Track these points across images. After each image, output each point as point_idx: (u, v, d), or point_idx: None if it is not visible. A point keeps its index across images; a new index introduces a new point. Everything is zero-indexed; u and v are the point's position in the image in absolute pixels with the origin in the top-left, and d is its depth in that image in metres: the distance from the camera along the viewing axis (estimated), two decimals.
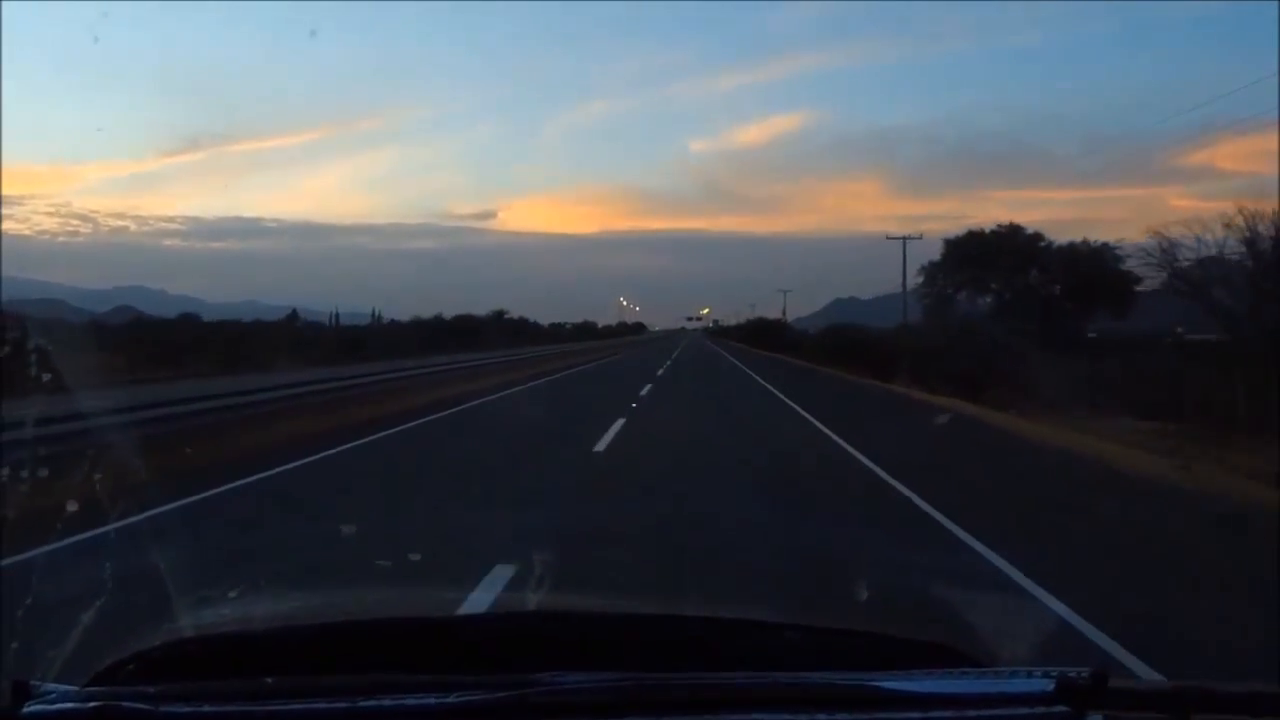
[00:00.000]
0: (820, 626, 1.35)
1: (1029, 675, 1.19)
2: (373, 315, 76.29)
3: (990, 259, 42.78)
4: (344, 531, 6.63)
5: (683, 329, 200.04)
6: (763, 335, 79.59)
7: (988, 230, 43.57)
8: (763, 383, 26.76)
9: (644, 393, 21.69)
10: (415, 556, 5.63)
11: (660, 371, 31.62)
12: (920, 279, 45.64)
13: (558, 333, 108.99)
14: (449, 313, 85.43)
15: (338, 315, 75.00)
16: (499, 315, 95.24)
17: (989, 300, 42.97)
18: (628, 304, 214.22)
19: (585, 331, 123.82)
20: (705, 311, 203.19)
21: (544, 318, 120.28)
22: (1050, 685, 1.12)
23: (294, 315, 66.22)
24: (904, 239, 50.83)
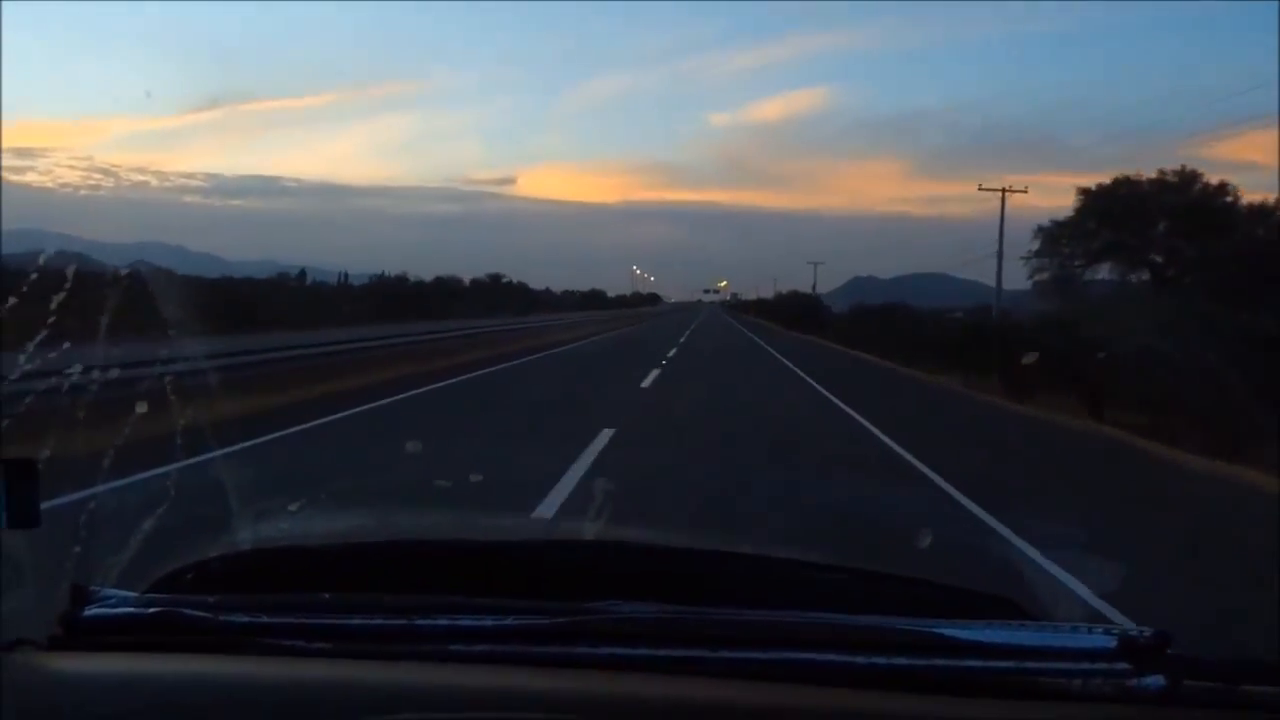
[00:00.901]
0: (875, 571, 1.33)
1: (1089, 631, 1.13)
2: (380, 276, 67.70)
3: (1147, 219, 29.66)
4: None
5: (699, 302, 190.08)
6: (798, 313, 66.35)
7: (1145, 179, 30.26)
8: (879, 435, 11.20)
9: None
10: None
11: (646, 382, 17.84)
12: (1036, 244, 32.49)
13: (560, 301, 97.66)
14: (465, 276, 75.76)
15: (347, 275, 67.92)
16: (495, 279, 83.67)
17: (1145, 278, 29.80)
18: (643, 274, 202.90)
19: (593, 300, 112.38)
20: (723, 284, 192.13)
21: (559, 285, 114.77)
22: (1112, 642, 1.07)
23: (302, 274, 62.36)
24: (1003, 191, 37.93)
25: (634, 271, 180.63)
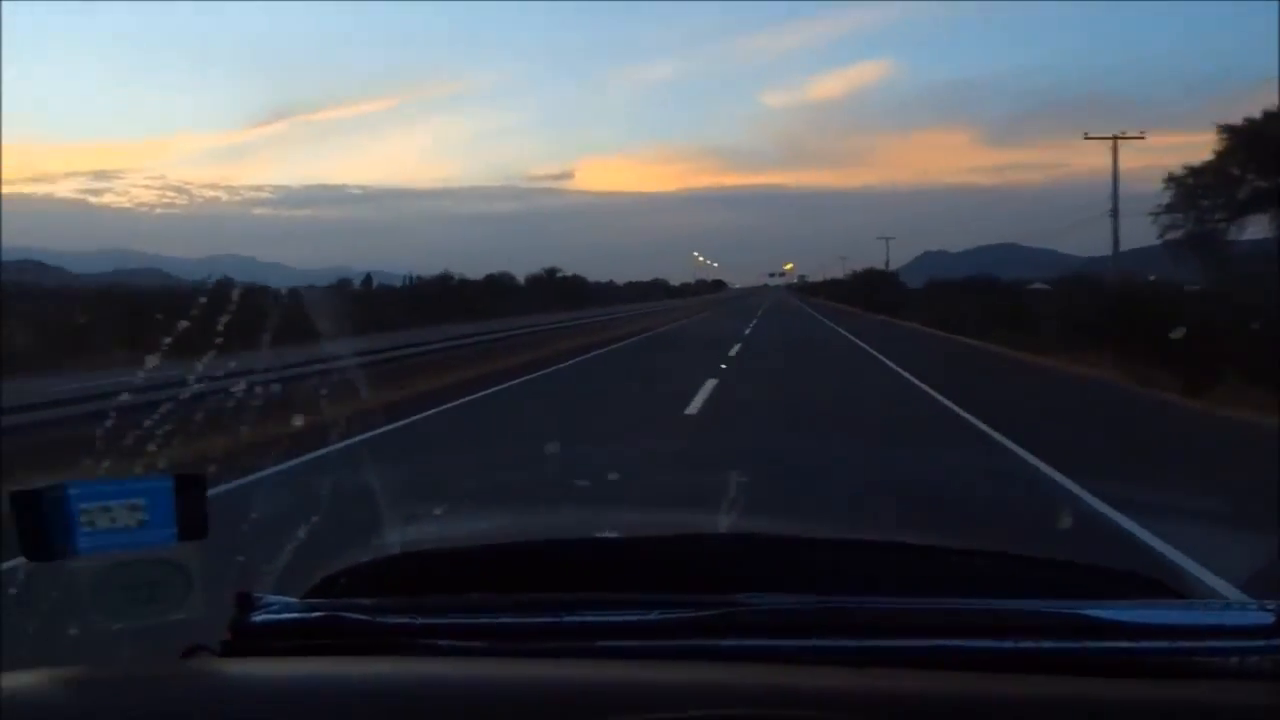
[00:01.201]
0: (1017, 554, 1.31)
1: (1243, 607, 1.12)
2: (415, 279, 66.08)
3: None
4: None
5: (765, 286, 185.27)
6: (874, 292, 60.98)
7: None
8: None
9: None
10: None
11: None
12: (1167, 198, 27.23)
13: (621, 293, 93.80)
14: (525, 273, 75.04)
15: (411, 278, 67.70)
16: (551, 274, 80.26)
17: None
18: (706, 260, 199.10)
19: (654, 290, 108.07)
20: (789, 267, 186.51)
21: (623, 276, 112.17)
22: (1268, 618, 1.02)
23: (368, 280, 64.71)
24: (1114, 139, 32.65)
25: (696, 259, 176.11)
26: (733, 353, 22.56)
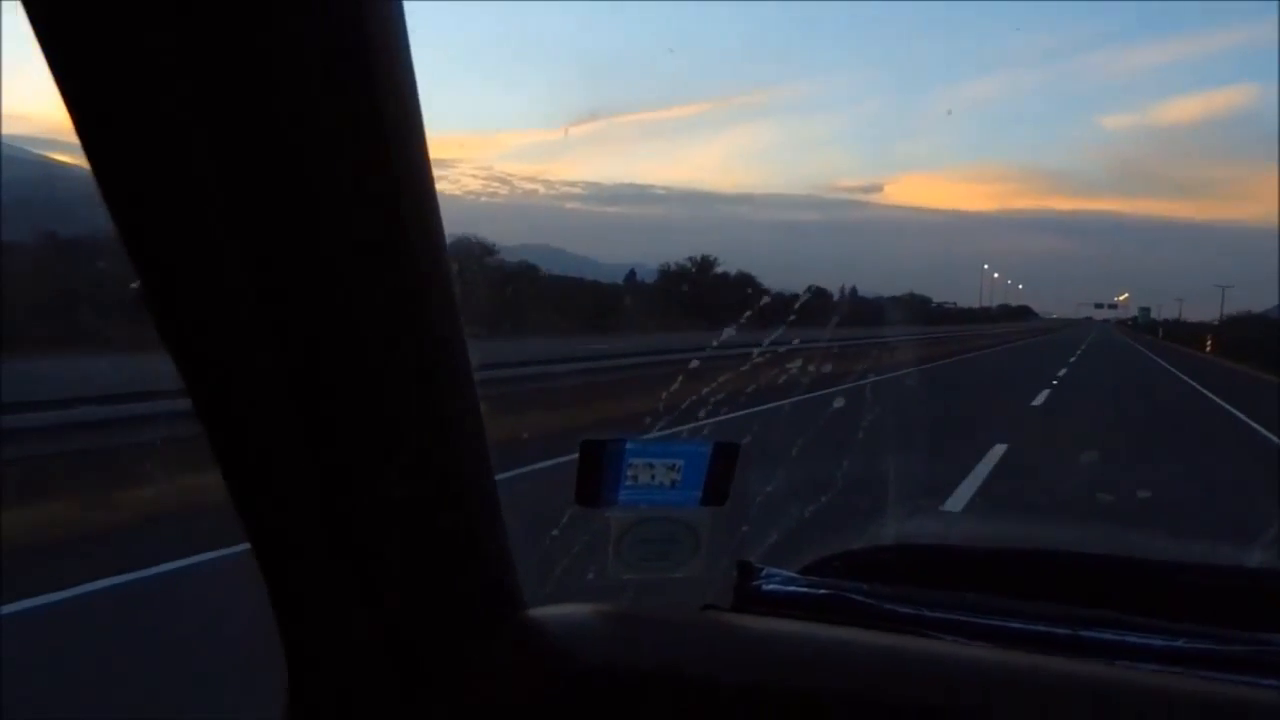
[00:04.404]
0: None
1: None
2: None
3: None
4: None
5: (1088, 319, 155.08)
6: None
7: None
8: None
9: None
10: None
11: None
12: None
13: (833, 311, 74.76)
14: (824, 283, 67.27)
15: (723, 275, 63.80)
16: (706, 262, 62.65)
17: None
18: (1012, 283, 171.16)
19: (912, 311, 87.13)
20: (1123, 298, 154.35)
21: (922, 293, 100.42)
22: None
23: (632, 274, 65.60)
24: None
25: (998, 280, 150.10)
26: None
